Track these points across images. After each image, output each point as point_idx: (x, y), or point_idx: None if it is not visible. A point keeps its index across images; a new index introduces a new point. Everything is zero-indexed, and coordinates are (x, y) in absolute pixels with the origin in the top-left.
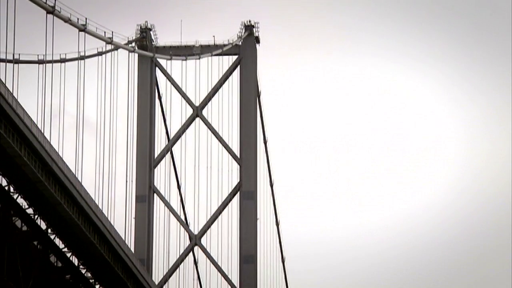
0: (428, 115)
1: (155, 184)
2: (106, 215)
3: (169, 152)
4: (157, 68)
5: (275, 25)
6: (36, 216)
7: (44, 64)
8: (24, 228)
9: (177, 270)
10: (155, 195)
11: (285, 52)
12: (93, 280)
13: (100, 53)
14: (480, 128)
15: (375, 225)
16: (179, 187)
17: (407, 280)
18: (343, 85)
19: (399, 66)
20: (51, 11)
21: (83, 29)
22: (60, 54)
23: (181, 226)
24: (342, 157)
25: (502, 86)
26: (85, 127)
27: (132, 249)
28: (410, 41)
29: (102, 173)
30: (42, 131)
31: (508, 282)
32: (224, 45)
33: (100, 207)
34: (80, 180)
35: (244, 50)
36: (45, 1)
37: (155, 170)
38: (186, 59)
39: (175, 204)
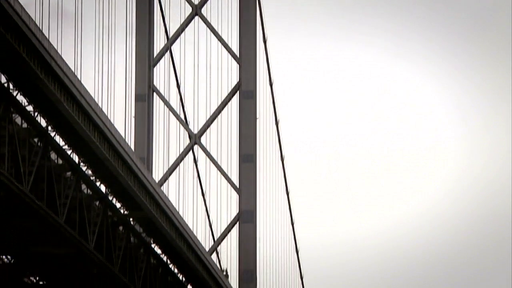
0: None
1: (154, 83)
2: (106, 114)
3: (168, 51)
4: None
5: None
6: (36, 114)
7: None
8: (24, 125)
9: (177, 168)
10: (154, 94)
11: None
12: (93, 178)
13: None
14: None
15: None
16: (178, 86)
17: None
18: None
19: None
20: None
21: None
22: None
23: (180, 125)
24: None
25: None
26: (84, 25)
27: (132, 148)
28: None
29: (101, 71)
30: (41, 29)
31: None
32: None
33: (100, 106)
34: (79, 79)
35: None
36: None
37: (155, 69)
38: None
39: (175, 103)
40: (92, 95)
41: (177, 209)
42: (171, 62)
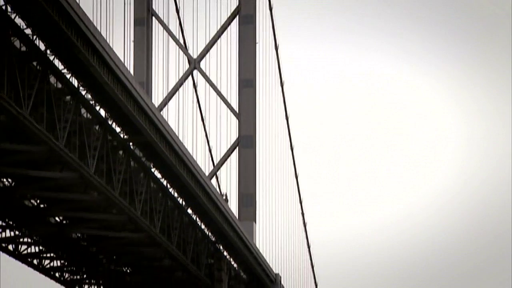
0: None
1: (153, 7)
2: (105, 38)
3: None
4: None
5: None
6: (34, 37)
7: None
8: (23, 48)
9: (177, 93)
10: (153, 18)
11: None
12: (93, 102)
13: None
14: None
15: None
16: (177, 10)
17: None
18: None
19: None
20: None
21: None
22: None
23: (180, 50)
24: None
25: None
26: None
27: (132, 72)
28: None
29: None
30: None
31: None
32: None
33: (99, 29)
34: (78, 2)
35: None
36: None
37: None
38: None
39: (174, 27)
40: (91, 19)
41: (176, 133)
42: None
